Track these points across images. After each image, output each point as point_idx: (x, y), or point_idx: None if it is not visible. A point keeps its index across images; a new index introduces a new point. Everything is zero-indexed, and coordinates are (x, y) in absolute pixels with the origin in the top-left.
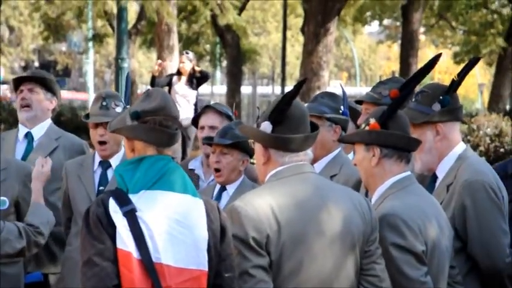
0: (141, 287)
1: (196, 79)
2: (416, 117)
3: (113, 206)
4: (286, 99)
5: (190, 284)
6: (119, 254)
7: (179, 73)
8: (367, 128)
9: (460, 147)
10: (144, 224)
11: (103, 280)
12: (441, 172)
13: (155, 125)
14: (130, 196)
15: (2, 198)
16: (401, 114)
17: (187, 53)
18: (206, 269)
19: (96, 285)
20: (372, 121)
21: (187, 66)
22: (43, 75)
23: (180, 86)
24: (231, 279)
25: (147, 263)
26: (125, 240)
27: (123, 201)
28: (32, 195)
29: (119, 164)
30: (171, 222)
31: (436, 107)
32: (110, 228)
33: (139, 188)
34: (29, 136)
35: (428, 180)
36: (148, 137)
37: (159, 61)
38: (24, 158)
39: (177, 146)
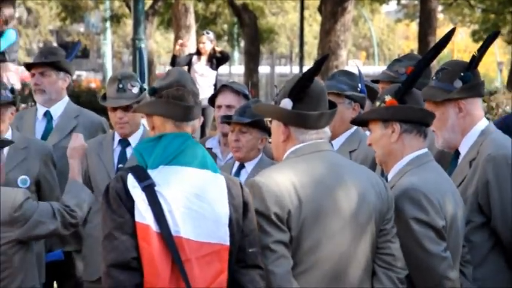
0: (161, 260)
1: (216, 59)
2: (438, 94)
3: (132, 181)
4: (308, 76)
5: (210, 257)
6: (137, 228)
7: (199, 53)
8: (383, 105)
9: (483, 122)
10: (163, 198)
11: (122, 253)
12: (464, 148)
13: (169, 98)
14: (149, 172)
15: (23, 176)
16: (415, 89)
17: (207, 33)
18: (227, 243)
19: (115, 258)
20: (388, 98)
21: (208, 47)
22: (52, 59)
23: (200, 66)
24: (255, 255)
25: (166, 235)
26: (143, 214)
27: (142, 177)
28: (70, 174)
29: (139, 142)
30: (190, 197)
31: (458, 83)
32: (129, 202)
33: (158, 164)
34: (48, 115)
35: (451, 157)
36: (164, 110)
37: (181, 41)
38: (44, 137)
39: (197, 124)
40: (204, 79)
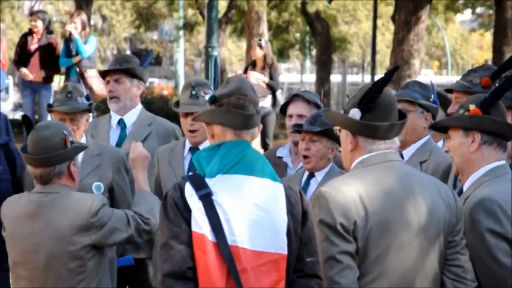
0: (216, 270)
1: (269, 73)
2: (504, 102)
3: (189, 190)
4: (377, 87)
5: (267, 267)
6: (193, 237)
7: (254, 62)
8: (466, 113)
9: None
10: (220, 208)
11: (178, 263)
12: None
13: (229, 106)
14: (207, 180)
15: (97, 183)
16: (501, 102)
17: (259, 40)
18: (285, 252)
19: (171, 268)
20: (473, 107)
21: (258, 53)
22: (126, 66)
23: (253, 75)
24: (313, 264)
25: (222, 245)
26: (199, 223)
27: (199, 185)
28: (135, 185)
29: (198, 151)
30: (249, 206)
31: None
32: (186, 212)
33: (216, 172)
34: (121, 123)
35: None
36: (224, 119)
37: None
38: (118, 145)
39: (257, 132)
40: (257, 87)
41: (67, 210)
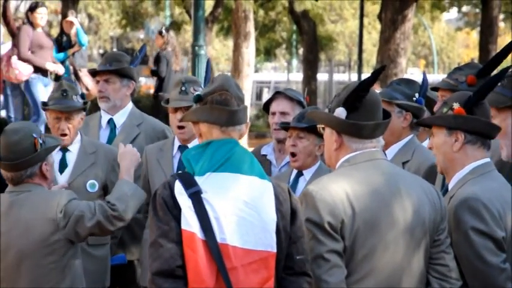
0: (206, 268)
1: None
2: (500, 100)
3: (179, 188)
4: (364, 86)
5: (257, 265)
6: (183, 235)
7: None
8: (450, 112)
9: None
10: (210, 206)
11: (167, 261)
12: None
13: (213, 103)
14: (196, 178)
15: (91, 181)
16: (485, 101)
17: (161, 28)
18: (274, 250)
19: (160, 267)
20: (456, 106)
21: (159, 41)
22: (116, 66)
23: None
24: (303, 262)
25: (212, 243)
26: (189, 221)
27: (189, 184)
28: (119, 174)
29: (187, 149)
30: (238, 204)
31: None
32: (175, 210)
33: (205, 171)
34: (111, 123)
35: (510, 166)
36: (209, 116)
37: None
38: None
39: (244, 129)
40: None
41: (36, 207)
